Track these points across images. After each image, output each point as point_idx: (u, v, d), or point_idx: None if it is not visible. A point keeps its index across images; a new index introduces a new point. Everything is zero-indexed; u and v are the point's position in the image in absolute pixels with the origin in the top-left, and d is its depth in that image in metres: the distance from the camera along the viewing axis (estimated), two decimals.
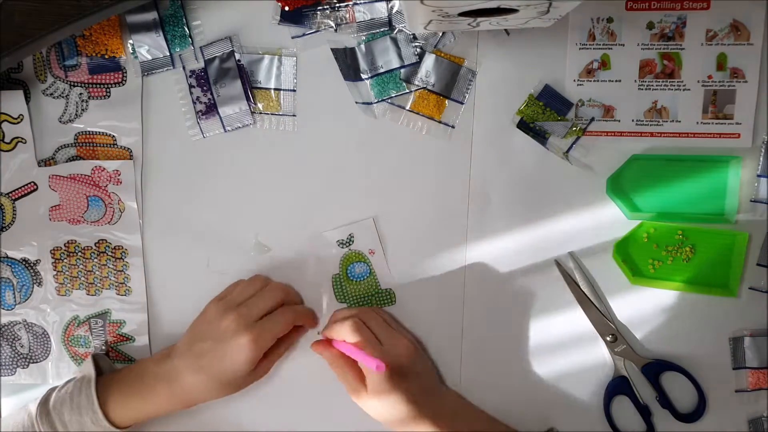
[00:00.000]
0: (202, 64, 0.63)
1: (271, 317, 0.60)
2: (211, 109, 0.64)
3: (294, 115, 0.64)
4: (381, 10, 0.61)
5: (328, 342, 0.63)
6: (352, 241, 0.65)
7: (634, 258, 0.63)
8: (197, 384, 0.59)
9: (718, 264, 0.62)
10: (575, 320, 0.63)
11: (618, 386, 0.63)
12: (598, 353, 0.64)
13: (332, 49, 0.63)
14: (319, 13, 0.62)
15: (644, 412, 0.63)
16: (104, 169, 0.65)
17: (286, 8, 0.62)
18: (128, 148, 0.65)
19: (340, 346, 0.61)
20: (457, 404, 0.64)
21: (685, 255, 0.62)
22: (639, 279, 0.62)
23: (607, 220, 0.63)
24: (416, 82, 0.63)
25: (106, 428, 0.59)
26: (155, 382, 0.60)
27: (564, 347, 0.64)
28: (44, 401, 0.60)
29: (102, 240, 0.66)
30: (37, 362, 0.67)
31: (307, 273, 0.65)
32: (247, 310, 0.59)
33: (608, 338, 0.63)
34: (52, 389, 0.62)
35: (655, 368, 0.62)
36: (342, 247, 0.65)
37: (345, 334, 0.59)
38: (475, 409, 0.64)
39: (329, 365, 0.62)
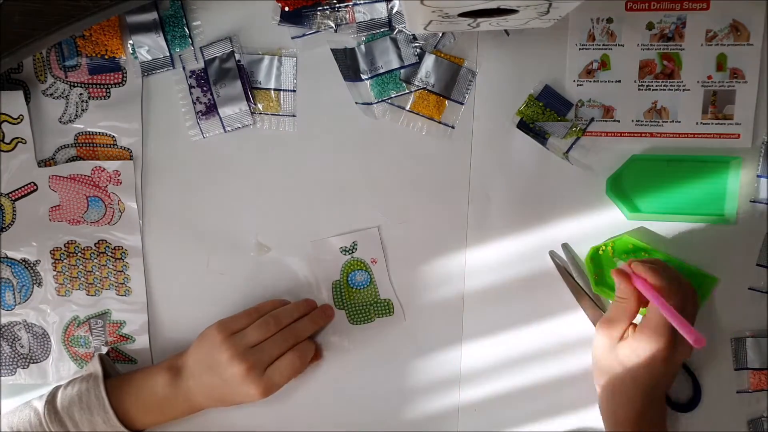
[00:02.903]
0: (202, 65, 0.63)
1: (282, 364, 0.60)
2: (211, 109, 0.64)
3: (294, 116, 0.64)
4: (381, 11, 0.61)
5: (629, 276, 0.58)
6: (355, 249, 0.65)
7: (606, 270, 0.63)
8: (213, 405, 0.62)
9: None
10: (575, 319, 0.63)
11: None
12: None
13: (332, 50, 0.63)
14: (319, 13, 0.62)
15: None
16: (104, 169, 0.65)
17: (286, 9, 0.62)
18: (128, 149, 0.65)
19: (655, 297, 0.54)
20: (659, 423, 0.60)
21: None
22: (601, 288, 0.63)
23: (607, 220, 0.63)
24: (416, 83, 0.63)
25: (117, 428, 0.59)
26: (172, 399, 0.61)
27: (563, 344, 0.64)
28: (51, 400, 0.60)
29: (102, 240, 0.66)
30: (37, 362, 0.67)
31: (307, 277, 0.65)
32: (258, 358, 0.59)
33: None
34: (57, 387, 0.62)
35: None
36: (345, 254, 0.65)
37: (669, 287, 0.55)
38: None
39: (619, 296, 0.58)
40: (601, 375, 0.59)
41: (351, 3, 0.61)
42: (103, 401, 0.59)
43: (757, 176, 0.61)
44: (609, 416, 0.59)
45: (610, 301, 0.61)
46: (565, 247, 0.63)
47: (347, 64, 0.63)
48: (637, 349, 0.56)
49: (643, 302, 0.58)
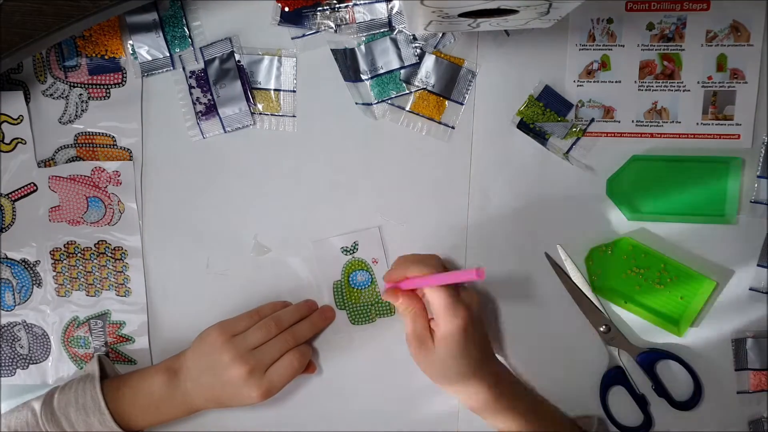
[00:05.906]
0: (202, 65, 0.63)
1: (279, 366, 0.60)
2: (210, 109, 0.64)
3: (294, 116, 0.64)
4: (381, 11, 0.61)
5: (396, 288, 0.58)
6: (356, 249, 0.64)
7: (605, 271, 0.63)
8: (211, 406, 0.62)
9: (679, 303, 0.62)
10: (573, 315, 0.63)
11: (614, 377, 0.63)
12: (593, 344, 0.64)
13: (332, 50, 0.63)
14: (319, 13, 0.62)
15: (641, 401, 0.63)
16: (104, 169, 0.65)
17: (286, 9, 0.62)
18: (128, 149, 0.65)
19: (420, 281, 0.56)
20: (506, 372, 0.62)
21: (658, 282, 0.62)
22: (601, 290, 0.63)
23: (608, 221, 0.63)
24: (416, 83, 0.63)
25: (113, 429, 0.59)
26: (170, 399, 0.61)
27: (561, 340, 0.64)
28: (48, 400, 0.60)
29: (102, 241, 0.66)
30: (36, 363, 0.67)
31: (308, 277, 0.65)
32: (259, 360, 0.59)
33: (602, 329, 0.63)
34: (55, 388, 0.62)
35: (650, 357, 0.62)
36: (346, 254, 0.65)
37: (423, 269, 0.56)
38: (520, 381, 0.63)
39: (401, 311, 0.58)
40: (447, 381, 0.57)
41: (351, 3, 0.61)
42: (98, 402, 0.59)
43: (758, 177, 0.61)
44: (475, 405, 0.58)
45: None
46: (561, 247, 0.63)
47: (347, 64, 0.63)
48: (448, 339, 0.54)
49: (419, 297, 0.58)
